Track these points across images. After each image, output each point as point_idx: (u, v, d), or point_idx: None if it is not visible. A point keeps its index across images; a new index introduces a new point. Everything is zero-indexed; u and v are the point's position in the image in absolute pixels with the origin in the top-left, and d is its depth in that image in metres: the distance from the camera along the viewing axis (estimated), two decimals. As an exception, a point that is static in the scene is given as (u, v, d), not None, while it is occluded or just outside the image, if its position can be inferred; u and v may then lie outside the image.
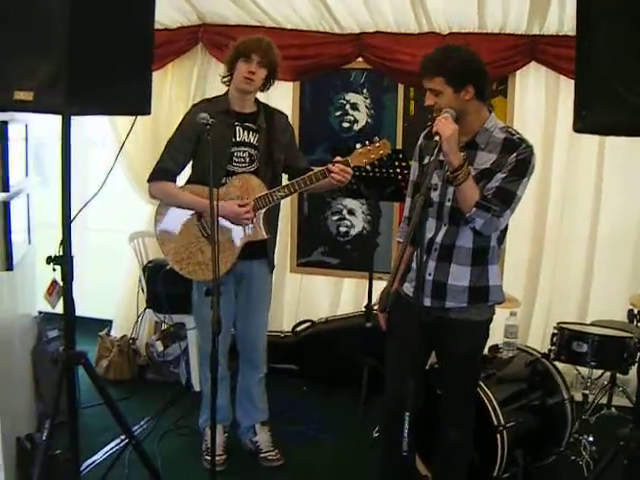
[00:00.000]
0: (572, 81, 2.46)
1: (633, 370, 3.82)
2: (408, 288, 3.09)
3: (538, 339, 4.92)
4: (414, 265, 2.96)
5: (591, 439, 3.80)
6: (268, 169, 3.73)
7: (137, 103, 2.80)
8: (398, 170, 4.39)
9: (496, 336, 3.77)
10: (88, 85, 2.48)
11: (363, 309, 4.79)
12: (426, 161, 3.05)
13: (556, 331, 3.89)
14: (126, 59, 2.63)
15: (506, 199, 2.80)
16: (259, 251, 3.76)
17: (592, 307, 4.90)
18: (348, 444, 4.26)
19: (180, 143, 3.69)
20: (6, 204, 3.49)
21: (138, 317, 5.14)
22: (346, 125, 5.29)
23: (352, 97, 5.25)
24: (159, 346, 5.14)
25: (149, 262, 5.10)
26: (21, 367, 3.89)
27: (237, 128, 3.69)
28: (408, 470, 2.99)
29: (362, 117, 5.25)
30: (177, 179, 3.77)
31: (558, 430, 3.78)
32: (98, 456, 3.89)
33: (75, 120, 2.72)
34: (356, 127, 5.28)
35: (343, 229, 5.42)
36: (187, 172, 3.81)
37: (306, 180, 3.54)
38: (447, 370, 3.17)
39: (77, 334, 2.83)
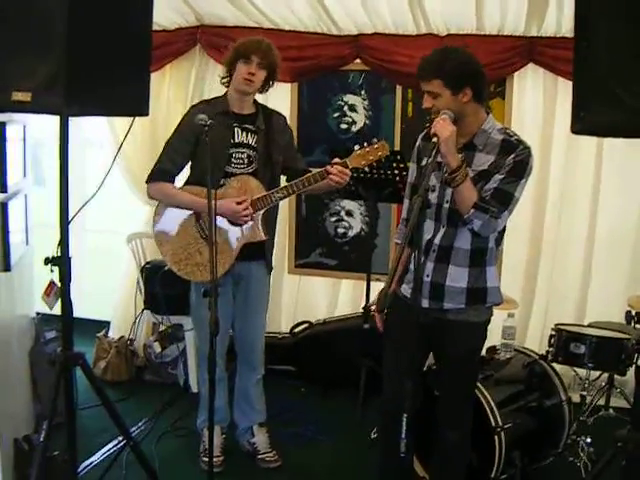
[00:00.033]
0: (570, 83, 2.46)
1: (631, 371, 3.81)
2: (406, 289, 3.09)
3: (536, 340, 4.92)
4: (412, 266, 2.96)
5: (589, 440, 3.80)
6: (267, 170, 3.73)
7: (135, 104, 2.80)
8: (396, 171, 4.38)
9: (494, 337, 3.78)
10: (86, 86, 2.48)
11: (361, 310, 4.78)
12: (424, 162, 3.05)
13: (554, 332, 3.89)
14: (124, 60, 2.63)
15: (504, 200, 2.81)
16: (257, 252, 3.76)
17: (590, 308, 4.90)
18: (346, 445, 4.26)
19: (178, 144, 3.69)
20: (4, 205, 3.49)
21: (136, 318, 5.14)
22: (344, 126, 5.30)
23: (350, 98, 5.25)
24: (157, 347, 5.14)
25: (147, 263, 5.10)
26: (19, 368, 3.88)
27: (236, 129, 3.69)
28: (406, 471, 2.98)
29: (360, 118, 5.25)
30: (175, 180, 3.77)
31: (556, 431, 3.79)
32: (96, 457, 3.88)
33: (73, 121, 2.72)
34: (354, 128, 5.28)
35: (341, 230, 5.42)
36: (185, 173, 3.81)
37: (304, 181, 3.55)
38: (445, 371, 3.17)
39: (75, 335, 2.83)
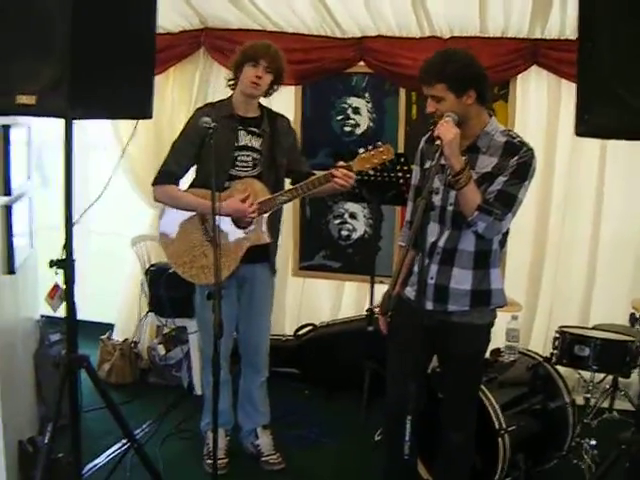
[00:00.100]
0: (574, 85, 2.47)
1: (635, 374, 3.83)
2: (410, 292, 3.09)
3: (540, 343, 4.91)
4: (416, 269, 2.95)
5: (593, 443, 3.79)
6: (271, 173, 3.74)
7: (139, 107, 2.81)
8: (400, 174, 4.38)
9: (498, 340, 3.78)
10: (91, 89, 2.50)
11: (365, 313, 4.78)
12: (427, 165, 3.05)
13: (558, 335, 3.88)
14: (128, 63, 2.64)
15: (508, 202, 2.80)
16: (261, 255, 3.76)
17: (594, 311, 4.90)
18: (350, 448, 4.26)
19: (184, 147, 3.69)
20: (8, 207, 3.50)
21: (140, 321, 5.15)
22: (348, 129, 5.29)
23: (354, 101, 5.25)
24: (161, 350, 5.15)
25: (151, 266, 5.10)
26: (23, 371, 3.89)
27: (240, 132, 3.70)
28: (410, 474, 2.99)
29: (364, 121, 5.25)
30: (181, 183, 3.77)
31: (560, 434, 3.78)
32: (100, 459, 3.88)
33: (77, 123, 2.72)
34: (358, 131, 5.28)
35: (345, 233, 5.42)
36: (190, 176, 3.82)
37: (309, 184, 3.54)
38: (449, 374, 3.17)
39: (79, 338, 2.83)
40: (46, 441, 2.88)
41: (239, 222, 3.64)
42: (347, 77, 5.21)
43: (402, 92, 5.12)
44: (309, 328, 5.34)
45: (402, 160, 4.33)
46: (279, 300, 5.13)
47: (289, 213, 5.31)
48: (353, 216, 5.38)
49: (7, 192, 3.51)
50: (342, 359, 5.05)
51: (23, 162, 3.90)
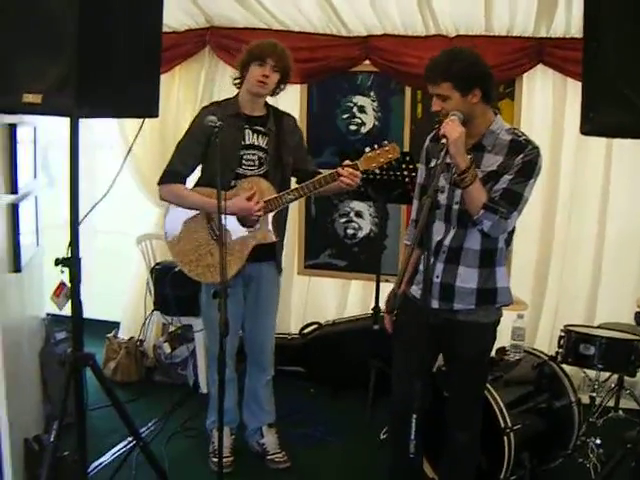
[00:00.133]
0: (579, 83, 2.46)
1: (640, 373, 3.82)
2: (415, 290, 3.09)
3: (545, 341, 4.91)
4: (421, 267, 2.95)
5: (598, 442, 3.79)
6: (277, 172, 3.74)
7: (145, 106, 2.81)
8: (405, 173, 4.38)
9: (503, 338, 3.77)
10: (97, 87, 2.49)
11: (370, 311, 4.78)
12: (433, 164, 3.05)
13: (563, 334, 3.88)
14: (134, 62, 2.64)
15: (513, 201, 2.80)
16: (267, 253, 3.77)
17: (600, 309, 4.89)
18: (355, 446, 4.26)
19: (190, 146, 3.69)
20: (14, 206, 3.50)
21: (146, 319, 5.15)
22: (353, 128, 5.29)
23: (359, 100, 5.25)
24: (167, 348, 5.15)
25: (157, 264, 5.11)
26: (29, 369, 3.90)
27: (246, 131, 3.70)
28: (415, 472, 2.97)
29: (369, 120, 5.25)
30: (187, 182, 3.78)
31: (565, 433, 3.77)
32: (106, 458, 3.89)
33: (83, 122, 2.72)
34: (363, 130, 5.28)
35: (350, 231, 5.42)
36: (195, 175, 3.82)
37: (315, 183, 3.54)
38: (454, 372, 3.17)
39: (85, 336, 2.83)
40: (52, 439, 2.87)
41: (245, 221, 3.64)
42: (353, 76, 5.22)
43: (408, 91, 5.12)
44: (314, 327, 5.34)
45: (408, 159, 4.33)
46: (285, 299, 5.13)
47: (295, 212, 5.32)
48: (359, 215, 5.38)
49: (13, 191, 3.51)
50: (348, 358, 5.05)
51: (29, 161, 3.90)
